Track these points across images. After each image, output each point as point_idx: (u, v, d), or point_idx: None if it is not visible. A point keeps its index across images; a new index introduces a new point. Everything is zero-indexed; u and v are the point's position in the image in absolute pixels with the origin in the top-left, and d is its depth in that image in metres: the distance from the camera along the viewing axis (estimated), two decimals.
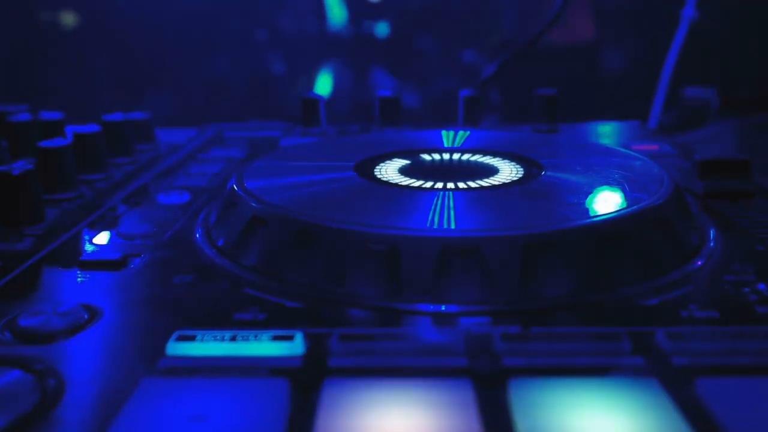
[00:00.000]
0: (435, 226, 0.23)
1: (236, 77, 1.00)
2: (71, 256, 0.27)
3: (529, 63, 0.64)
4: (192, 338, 0.20)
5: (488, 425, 0.16)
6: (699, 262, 0.25)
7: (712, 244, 0.27)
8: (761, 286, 0.23)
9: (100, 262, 0.26)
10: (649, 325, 0.20)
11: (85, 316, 0.21)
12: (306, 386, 0.17)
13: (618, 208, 0.25)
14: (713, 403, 0.16)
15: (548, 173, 0.30)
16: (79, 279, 0.25)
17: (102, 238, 0.29)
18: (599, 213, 0.25)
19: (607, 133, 0.51)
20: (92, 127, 0.38)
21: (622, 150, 0.35)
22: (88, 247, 0.28)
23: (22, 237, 0.29)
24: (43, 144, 0.34)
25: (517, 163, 0.32)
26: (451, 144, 0.36)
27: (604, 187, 0.28)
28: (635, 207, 0.25)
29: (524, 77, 0.62)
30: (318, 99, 0.49)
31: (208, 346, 0.19)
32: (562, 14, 0.61)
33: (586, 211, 0.25)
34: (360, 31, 0.89)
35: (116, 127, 0.41)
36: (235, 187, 0.28)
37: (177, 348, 0.19)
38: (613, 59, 0.96)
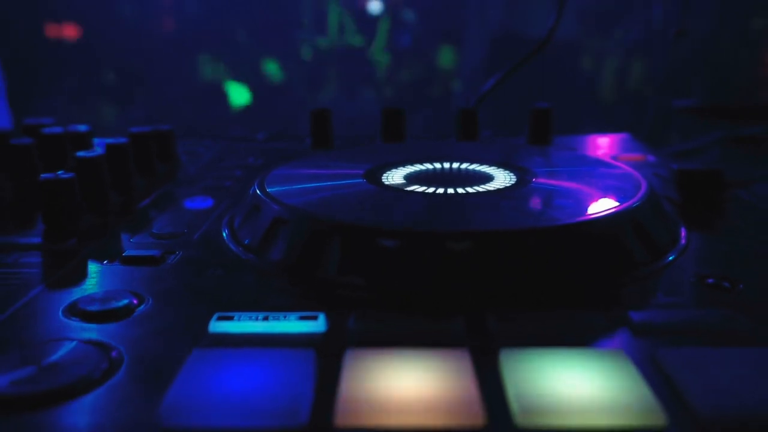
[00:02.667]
0: (438, 225, 0.27)
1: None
2: (112, 253, 0.30)
3: (524, 78, 0.67)
4: (230, 318, 0.23)
5: (483, 386, 0.19)
6: (671, 257, 0.28)
7: (683, 242, 0.30)
8: (723, 278, 0.26)
9: (140, 258, 0.29)
10: (623, 307, 0.24)
11: (135, 302, 0.25)
12: (330, 355, 0.20)
13: (600, 210, 0.28)
14: (669, 368, 0.19)
15: (539, 180, 0.33)
16: (120, 274, 0.28)
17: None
18: (584, 214, 0.28)
19: (597, 145, 0.54)
20: (120, 139, 0.42)
21: (608, 160, 0.39)
22: (127, 246, 0.31)
23: (66, 238, 0.32)
24: (81, 154, 0.37)
25: (511, 171, 0.35)
26: (453, 155, 0.39)
27: (590, 192, 0.31)
28: (616, 209, 0.28)
29: (519, 92, 0.65)
30: (327, 112, 0.52)
31: (245, 325, 0.23)
32: (554, 34, 0.64)
33: (573, 212, 0.28)
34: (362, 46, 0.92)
35: (142, 139, 0.44)
36: (258, 192, 0.31)
37: (218, 326, 0.23)
38: (605, 75, 1.00)
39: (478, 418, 0.17)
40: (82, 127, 0.48)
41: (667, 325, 0.22)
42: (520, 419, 0.17)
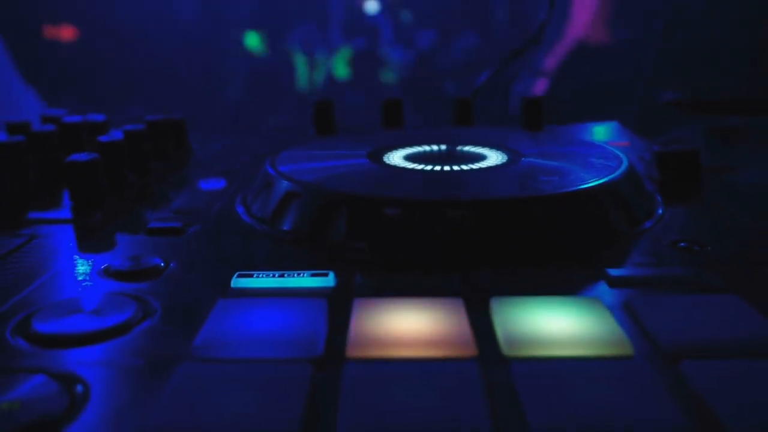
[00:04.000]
0: (435, 195, 0.30)
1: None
2: (136, 226, 0.33)
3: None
4: (250, 276, 0.26)
5: (475, 326, 0.22)
6: (647, 224, 0.31)
7: (660, 211, 0.33)
8: (694, 243, 0.29)
9: (163, 229, 0.32)
10: (601, 265, 0.26)
11: (162, 264, 0.27)
12: (340, 303, 0.23)
13: (585, 182, 0.31)
14: (638, 310, 0.22)
15: (528, 159, 0.36)
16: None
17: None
18: (568, 185, 0.31)
19: (586, 132, 0.57)
20: (138, 126, 0.44)
21: (594, 142, 0.41)
22: (148, 221, 0.34)
23: (93, 213, 0.35)
24: (102, 138, 0.39)
25: (503, 152, 0.38)
26: (449, 138, 0.42)
27: (575, 167, 0.34)
28: (599, 181, 0.31)
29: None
30: (330, 103, 0.55)
31: (263, 281, 0.25)
32: (547, 26, 0.67)
33: (559, 184, 0.31)
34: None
35: (157, 126, 0.47)
36: (271, 170, 0.34)
37: (239, 282, 0.25)
38: (596, 65, 1.03)
39: (471, 349, 0.20)
40: (99, 117, 0.51)
41: (640, 279, 0.25)
42: (506, 350, 0.20)
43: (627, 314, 0.22)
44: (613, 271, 0.25)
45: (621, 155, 0.36)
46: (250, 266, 0.27)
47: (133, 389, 0.19)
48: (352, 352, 0.20)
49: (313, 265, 0.27)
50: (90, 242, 0.31)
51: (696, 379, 0.18)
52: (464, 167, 0.34)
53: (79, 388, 0.18)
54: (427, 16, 1.09)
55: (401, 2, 1.09)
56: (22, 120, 0.49)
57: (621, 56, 1.02)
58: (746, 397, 0.17)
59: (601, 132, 0.57)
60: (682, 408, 0.17)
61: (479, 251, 0.28)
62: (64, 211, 0.35)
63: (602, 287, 0.25)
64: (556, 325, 0.21)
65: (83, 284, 0.26)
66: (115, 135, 0.41)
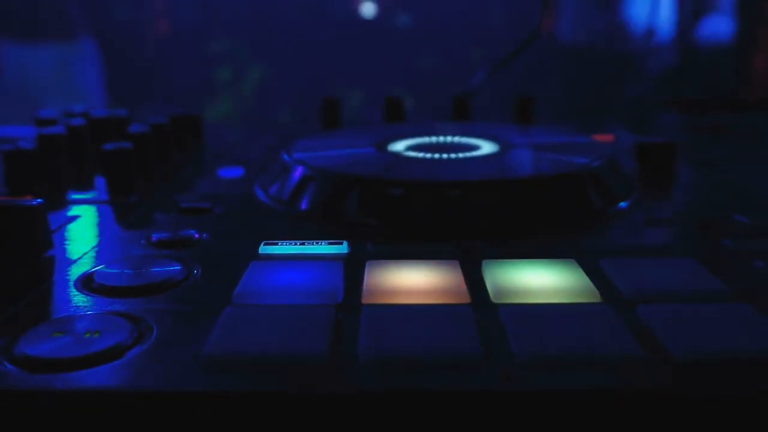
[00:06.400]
0: (435, 177, 0.34)
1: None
2: (168, 207, 0.37)
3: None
4: (275, 244, 0.30)
5: (469, 284, 0.25)
6: (624, 205, 0.35)
7: (637, 195, 0.37)
8: (664, 220, 0.33)
9: (195, 209, 0.36)
10: (579, 237, 0.30)
11: (197, 236, 0.31)
12: (354, 266, 0.27)
13: (569, 167, 0.35)
14: (606, 270, 0.26)
15: (518, 149, 0.40)
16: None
17: None
18: (554, 170, 0.35)
19: (575, 127, 0.61)
20: (161, 118, 0.48)
21: (580, 135, 0.45)
22: (177, 202, 0.38)
23: (128, 195, 0.39)
24: (132, 130, 0.43)
25: (496, 143, 0.42)
26: (447, 132, 0.46)
27: (562, 155, 0.38)
28: (582, 166, 0.35)
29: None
30: (337, 100, 0.59)
31: (287, 248, 0.29)
32: (540, 28, 0.71)
33: (547, 168, 0.35)
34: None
35: (178, 120, 0.51)
36: (288, 158, 0.38)
37: (265, 249, 0.29)
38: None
39: (465, 298, 0.24)
40: (122, 112, 0.55)
41: (611, 247, 0.29)
42: (494, 299, 0.24)
43: (597, 273, 0.26)
44: (589, 242, 0.29)
45: (603, 145, 0.40)
46: (273, 238, 0.31)
47: (187, 328, 0.23)
48: (368, 299, 0.24)
49: (328, 238, 0.31)
50: (129, 219, 0.35)
51: (649, 320, 0.22)
52: (461, 155, 0.38)
53: (143, 324, 0.22)
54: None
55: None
56: (51, 116, 0.53)
57: (616, 58, 1.06)
58: (688, 332, 0.21)
59: (589, 127, 0.61)
60: (638, 341, 0.21)
61: (473, 225, 0.32)
62: (101, 193, 0.39)
63: (578, 254, 0.29)
64: (536, 280, 0.25)
65: (130, 252, 0.30)
66: (143, 127, 0.44)
